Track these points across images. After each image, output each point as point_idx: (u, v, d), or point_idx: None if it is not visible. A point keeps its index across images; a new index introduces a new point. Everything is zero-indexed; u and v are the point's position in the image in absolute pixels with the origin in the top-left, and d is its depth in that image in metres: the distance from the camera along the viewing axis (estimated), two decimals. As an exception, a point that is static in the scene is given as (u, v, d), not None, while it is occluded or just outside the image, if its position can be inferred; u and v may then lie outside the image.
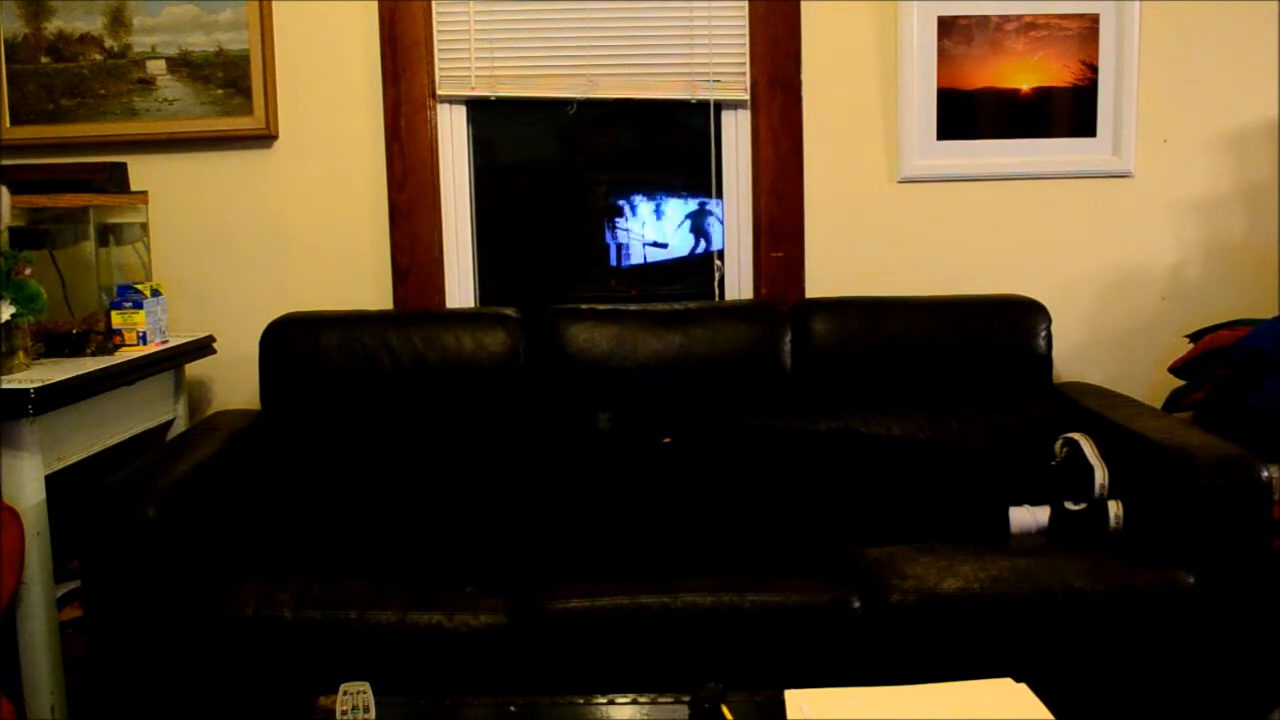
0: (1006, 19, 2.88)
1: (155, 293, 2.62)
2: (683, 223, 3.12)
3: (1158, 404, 2.80)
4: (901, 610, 2.11)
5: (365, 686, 1.65)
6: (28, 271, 2.33)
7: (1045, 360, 2.74)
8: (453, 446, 2.60)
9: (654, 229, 3.15)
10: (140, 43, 2.86)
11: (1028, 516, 2.41)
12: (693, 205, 3.11)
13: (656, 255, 3.16)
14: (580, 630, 2.09)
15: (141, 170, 2.81)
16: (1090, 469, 2.39)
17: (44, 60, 2.87)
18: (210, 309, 2.90)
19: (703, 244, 3.11)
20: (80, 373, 2.27)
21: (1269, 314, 2.78)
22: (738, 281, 3.01)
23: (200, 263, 2.92)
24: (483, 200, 3.04)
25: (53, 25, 2.86)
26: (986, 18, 2.88)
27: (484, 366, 2.66)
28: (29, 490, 2.14)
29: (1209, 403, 2.66)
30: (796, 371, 2.71)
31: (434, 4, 2.88)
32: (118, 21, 2.85)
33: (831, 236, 2.95)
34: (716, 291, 3.02)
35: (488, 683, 2.06)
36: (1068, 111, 2.92)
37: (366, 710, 1.63)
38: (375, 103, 2.88)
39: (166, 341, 2.63)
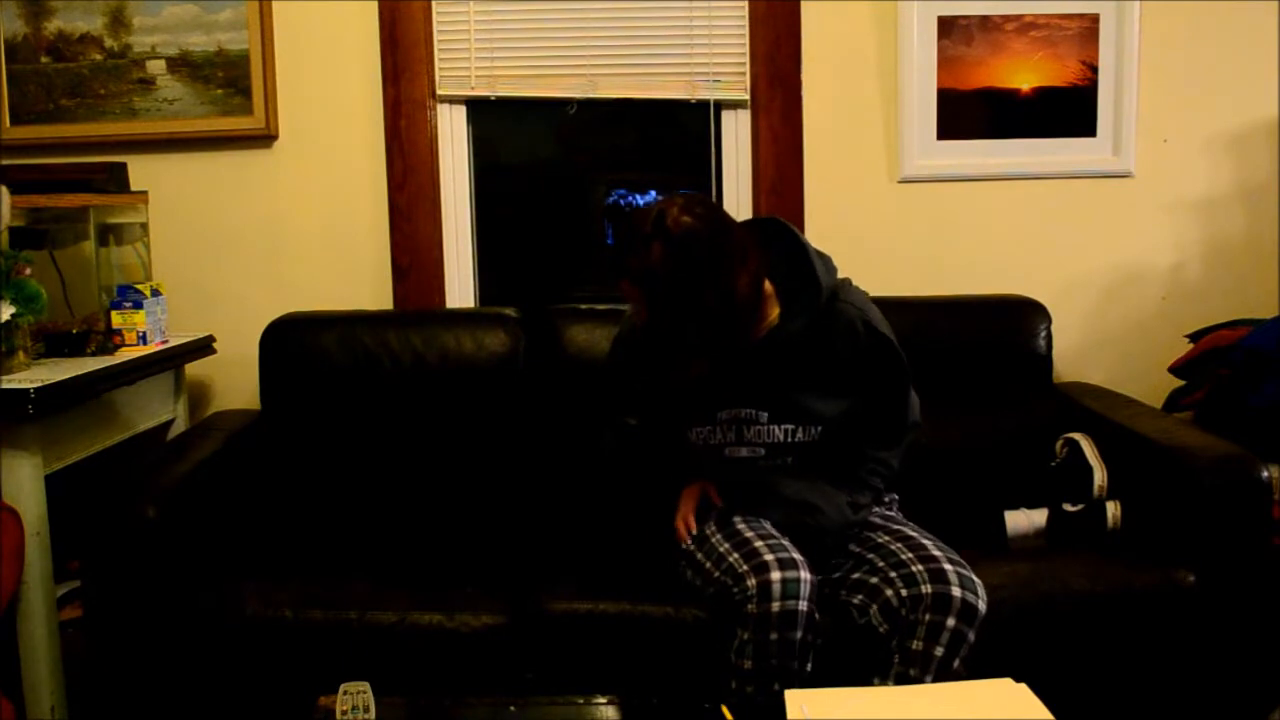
0: (1006, 19, 2.88)
1: (155, 293, 2.62)
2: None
3: (1158, 404, 2.79)
4: (901, 610, 2.10)
5: (365, 686, 1.65)
6: (28, 271, 2.33)
7: (1045, 360, 2.74)
8: (452, 447, 2.60)
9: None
10: (140, 43, 2.86)
11: (1023, 520, 2.41)
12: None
13: (656, 255, 3.15)
14: (581, 631, 2.09)
15: (141, 170, 2.80)
16: (1089, 469, 2.39)
17: (44, 60, 2.87)
18: (210, 309, 2.89)
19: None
20: (80, 373, 2.26)
21: (1269, 314, 2.78)
22: (738, 281, 3.00)
23: (200, 263, 2.91)
24: (483, 200, 3.04)
25: (53, 25, 2.86)
26: (986, 18, 2.88)
27: (484, 366, 2.66)
28: (29, 490, 2.14)
29: (1209, 403, 2.66)
30: (796, 371, 2.70)
31: (434, 4, 2.88)
32: (118, 21, 2.85)
33: (831, 236, 2.93)
34: (716, 291, 3.01)
35: (488, 683, 2.07)
36: (1067, 111, 2.91)
37: (366, 710, 1.63)
38: (375, 103, 2.88)
39: (166, 341, 2.63)
